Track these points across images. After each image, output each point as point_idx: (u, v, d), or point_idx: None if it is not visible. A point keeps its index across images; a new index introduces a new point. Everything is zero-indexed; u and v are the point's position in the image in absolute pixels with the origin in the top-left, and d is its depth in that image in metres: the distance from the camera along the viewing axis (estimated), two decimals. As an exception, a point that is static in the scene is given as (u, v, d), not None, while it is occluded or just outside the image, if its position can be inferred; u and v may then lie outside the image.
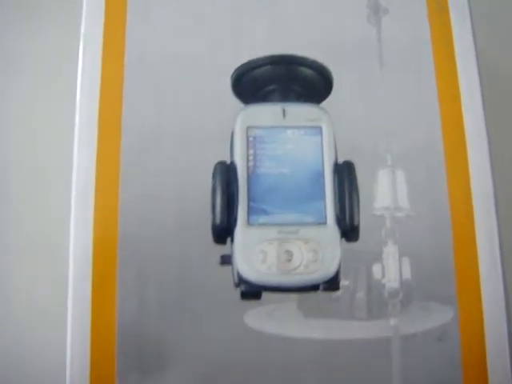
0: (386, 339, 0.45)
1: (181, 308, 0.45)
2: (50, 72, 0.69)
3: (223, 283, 0.45)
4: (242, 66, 0.48)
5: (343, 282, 0.45)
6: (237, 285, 0.45)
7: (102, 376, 0.44)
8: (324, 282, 0.44)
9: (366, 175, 0.46)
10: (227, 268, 0.45)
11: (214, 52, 0.49)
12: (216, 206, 0.45)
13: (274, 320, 0.45)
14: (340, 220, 0.45)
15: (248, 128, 0.46)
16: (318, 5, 0.51)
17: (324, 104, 0.48)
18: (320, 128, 0.46)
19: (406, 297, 0.45)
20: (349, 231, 0.45)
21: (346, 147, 0.47)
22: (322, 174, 0.46)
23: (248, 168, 0.46)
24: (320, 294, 0.45)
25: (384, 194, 0.47)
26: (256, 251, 0.44)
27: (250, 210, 0.45)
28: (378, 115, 0.48)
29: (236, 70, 0.48)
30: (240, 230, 0.45)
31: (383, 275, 0.46)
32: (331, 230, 0.45)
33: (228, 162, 0.46)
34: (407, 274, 0.46)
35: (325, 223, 0.45)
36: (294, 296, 0.45)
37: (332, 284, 0.45)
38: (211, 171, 0.46)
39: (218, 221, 0.45)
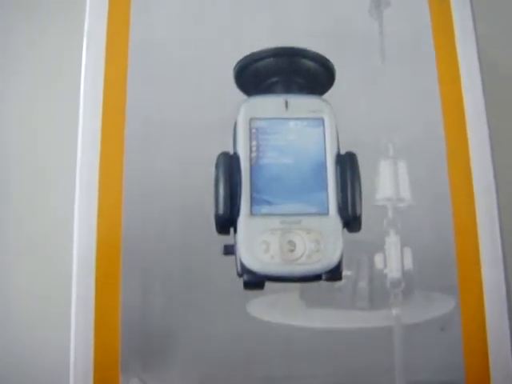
0: (388, 329, 0.45)
1: (184, 301, 0.45)
2: (51, 72, 0.69)
3: (226, 273, 0.45)
4: (245, 58, 0.49)
5: (345, 272, 0.45)
6: (240, 275, 0.45)
7: (106, 377, 0.44)
8: (326, 272, 0.44)
9: (368, 166, 0.47)
10: (230, 258, 0.45)
11: (216, 45, 0.50)
12: (219, 196, 0.45)
13: (277, 309, 0.45)
14: (342, 210, 0.45)
15: (251, 119, 0.47)
16: (319, -1, 0.51)
17: (326, 96, 0.48)
18: (322, 119, 0.47)
19: (408, 287, 0.46)
20: (351, 221, 0.45)
21: (348, 139, 0.47)
22: (324, 165, 0.46)
23: (251, 159, 0.46)
24: (322, 284, 0.45)
25: (386, 184, 0.47)
26: (259, 241, 0.44)
27: (253, 201, 0.45)
28: (380, 108, 0.49)
29: (239, 63, 0.49)
30: (243, 221, 0.45)
31: (385, 265, 0.46)
32: (333, 220, 0.45)
33: (231, 153, 0.47)
34: (409, 264, 0.46)
35: (327, 213, 0.45)
36: (296, 286, 0.46)
37: (334, 274, 0.45)
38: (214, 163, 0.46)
39: (221, 211, 0.45)
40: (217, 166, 0.46)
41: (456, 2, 0.51)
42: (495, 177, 0.47)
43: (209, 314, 0.45)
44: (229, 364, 0.45)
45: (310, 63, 0.49)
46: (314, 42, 0.49)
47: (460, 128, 0.48)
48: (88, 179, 0.47)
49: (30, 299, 0.63)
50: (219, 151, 0.46)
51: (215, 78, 0.49)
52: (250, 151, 0.46)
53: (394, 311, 0.45)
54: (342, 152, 0.46)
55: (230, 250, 0.45)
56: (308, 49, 0.49)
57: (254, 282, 0.44)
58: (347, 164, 0.46)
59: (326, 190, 0.45)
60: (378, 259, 0.46)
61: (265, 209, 0.45)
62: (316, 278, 0.45)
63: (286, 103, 0.47)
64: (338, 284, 0.46)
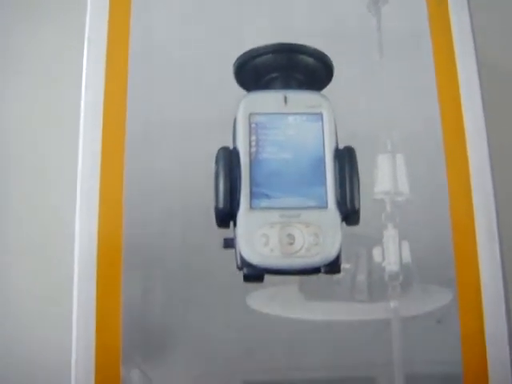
0: (386, 321, 0.45)
1: (185, 296, 0.45)
2: (51, 72, 0.69)
3: (226, 267, 0.45)
4: (245, 54, 0.49)
5: (344, 265, 0.45)
6: (240, 268, 0.45)
7: (108, 377, 0.44)
8: (325, 265, 0.45)
9: (367, 161, 0.47)
10: (230, 251, 0.45)
11: (216, 41, 0.50)
12: (219, 190, 0.45)
13: (276, 302, 0.45)
14: (341, 204, 0.45)
15: (250, 114, 0.47)
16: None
17: (325, 91, 0.49)
18: (321, 114, 0.47)
19: (406, 279, 0.46)
20: (349, 215, 0.45)
21: (347, 133, 0.47)
22: (322, 159, 0.46)
23: (250, 153, 0.46)
24: (321, 277, 0.45)
25: (384, 178, 0.47)
26: (258, 235, 0.44)
27: (253, 195, 0.45)
28: (378, 103, 0.49)
29: (238, 59, 0.49)
30: (242, 214, 0.45)
31: (383, 258, 0.46)
32: (332, 213, 0.45)
33: (231, 147, 0.47)
34: (407, 257, 0.46)
35: (326, 207, 0.45)
36: (295, 278, 0.46)
37: (333, 267, 0.45)
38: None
39: (221, 205, 0.45)
40: (217, 161, 0.46)
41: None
42: (492, 171, 0.47)
43: (209, 308, 0.45)
44: (229, 356, 0.45)
45: (308, 59, 0.49)
46: (313, 38, 0.49)
47: (457, 123, 0.48)
48: (89, 179, 0.47)
49: (30, 299, 0.64)
50: (219, 146, 0.47)
51: (215, 78, 0.49)
52: (250, 146, 0.46)
53: (392, 304, 0.45)
54: (341, 146, 0.47)
55: (229, 244, 0.46)
56: (307, 45, 0.49)
57: (254, 275, 0.45)
58: (346, 158, 0.46)
59: (325, 184, 0.46)
60: (377, 252, 0.46)
61: (264, 203, 0.45)
62: (315, 270, 0.45)
63: (285, 98, 0.48)
64: (336, 277, 0.46)
